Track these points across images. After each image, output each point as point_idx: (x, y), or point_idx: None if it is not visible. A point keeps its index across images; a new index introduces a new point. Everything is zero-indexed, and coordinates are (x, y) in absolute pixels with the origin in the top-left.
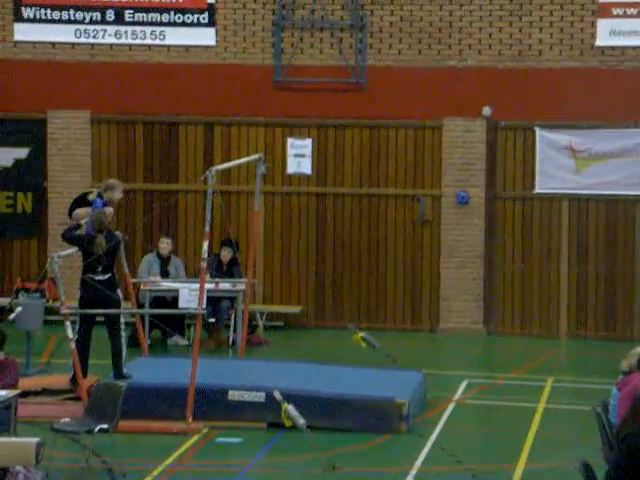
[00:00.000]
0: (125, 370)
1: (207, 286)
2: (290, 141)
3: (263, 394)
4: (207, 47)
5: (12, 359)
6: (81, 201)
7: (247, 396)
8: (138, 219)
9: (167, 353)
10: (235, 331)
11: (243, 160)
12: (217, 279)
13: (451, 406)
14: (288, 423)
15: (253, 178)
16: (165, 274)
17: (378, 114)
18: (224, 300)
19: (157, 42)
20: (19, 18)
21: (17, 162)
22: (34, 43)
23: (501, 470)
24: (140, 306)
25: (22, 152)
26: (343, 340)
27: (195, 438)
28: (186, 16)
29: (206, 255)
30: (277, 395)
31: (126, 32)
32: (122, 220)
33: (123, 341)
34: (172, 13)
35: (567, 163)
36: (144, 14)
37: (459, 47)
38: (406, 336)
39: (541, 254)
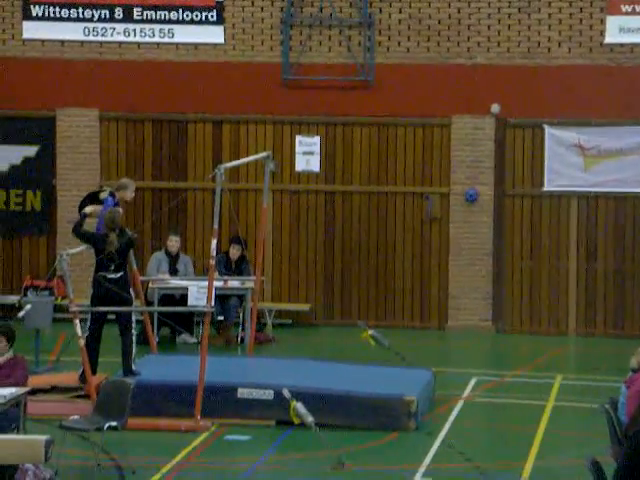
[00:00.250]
0: (134, 367)
1: (216, 284)
2: (298, 139)
3: (272, 392)
4: (216, 45)
5: (21, 357)
6: (93, 199)
7: (256, 394)
8: (147, 217)
9: (176, 351)
10: (244, 329)
11: (251, 158)
12: (226, 277)
13: (460, 404)
14: (297, 421)
15: (262, 176)
16: (174, 272)
17: (386, 112)
18: (233, 298)
19: (166, 40)
20: (28, 16)
21: (26, 160)
22: (43, 41)
23: (510, 468)
24: (149, 304)
25: (31, 150)
26: (352, 338)
27: (204, 436)
28: (195, 14)
29: (215, 253)
30: (286, 393)
31: (135, 30)
32: (130, 218)
33: (134, 339)
34: (181, 11)
35: (576, 161)
36: (153, 12)
37: (468, 44)
38: (415, 334)
39: (550, 251)
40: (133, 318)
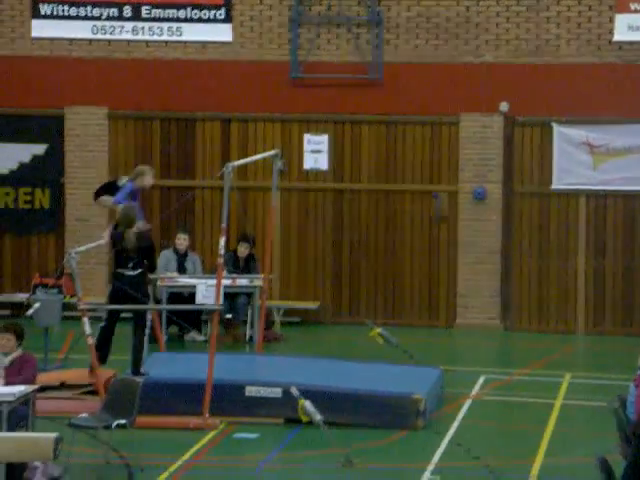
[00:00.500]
0: (142, 369)
1: (224, 282)
2: (307, 137)
3: (280, 390)
4: (224, 43)
5: (30, 355)
6: (111, 187)
7: (264, 392)
8: (155, 215)
9: (184, 349)
10: (252, 327)
11: (260, 156)
12: (234, 275)
13: (468, 402)
14: (305, 419)
15: (270, 174)
16: (182, 270)
17: (395, 110)
18: (241, 296)
19: (174, 38)
20: (37, 15)
21: (35, 158)
22: (51, 40)
23: (518, 466)
24: (157, 302)
25: (40, 148)
26: (360, 336)
27: (212, 434)
28: (203, 12)
29: (223, 251)
30: (294, 391)
31: (143, 28)
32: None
33: (145, 339)
34: (189, 9)
35: (584, 159)
36: (161, 10)
37: (476, 42)
38: (423, 332)
39: (558, 250)
40: (148, 317)
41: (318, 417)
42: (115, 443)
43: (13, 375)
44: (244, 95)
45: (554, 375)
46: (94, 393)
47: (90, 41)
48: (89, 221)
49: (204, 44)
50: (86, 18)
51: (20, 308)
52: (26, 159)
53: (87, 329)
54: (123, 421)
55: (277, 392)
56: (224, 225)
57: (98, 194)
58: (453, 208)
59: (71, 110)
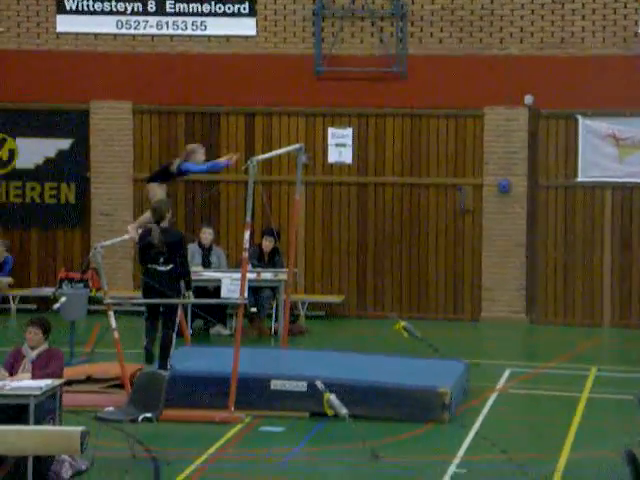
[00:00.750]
0: (170, 364)
1: (249, 276)
2: (331, 131)
3: (305, 383)
4: (247, 37)
5: (57, 349)
6: (164, 173)
7: (289, 385)
8: (180, 209)
9: (209, 343)
10: (277, 321)
11: (284, 150)
12: (259, 269)
13: (494, 395)
14: (330, 412)
15: (294, 168)
16: (207, 264)
17: (419, 103)
18: (266, 290)
19: (198, 32)
20: (62, 10)
21: (60, 153)
22: (76, 34)
23: (544, 459)
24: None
25: (65, 143)
26: (384, 330)
27: (238, 427)
28: (227, 6)
29: (248, 245)
30: (319, 384)
31: (167, 23)
32: None
33: (174, 336)
34: (213, 3)
35: (610, 151)
36: (185, 5)
37: (501, 35)
38: (448, 325)
39: (584, 243)
40: (178, 312)
41: (343, 411)
42: (141, 436)
43: (40, 369)
44: (268, 89)
45: (580, 368)
46: (120, 387)
47: (115, 36)
48: (114, 215)
49: (228, 38)
50: (111, 13)
51: (46, 302)
52: (51, 154)
53: (113, 323)
54: (149, 415)
55: (302, 386)
56: (249, 219)
57: (151, 179)
58: (478, 201)
59: (96, 105)
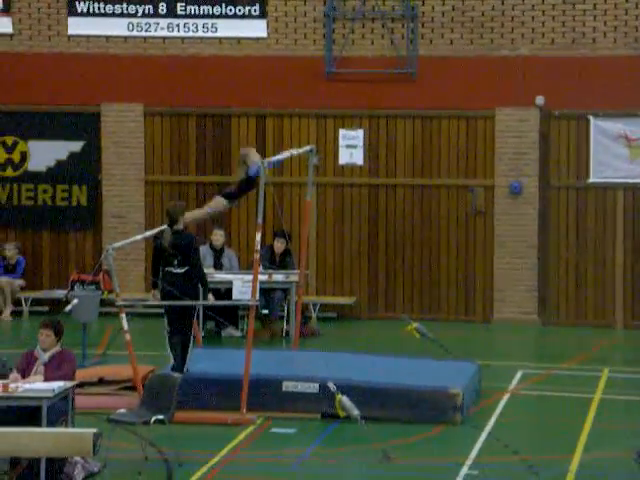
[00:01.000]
0: (186, 367)
1: (260, 277)
2: (342, 132)
3: (317, 385)
4: (258, 39)
5: (69, 351)
6: (248, 182)
7: (301, 387)
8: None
9: (221, 344)
10: (288, 322)
11: (294, 152)
12: (270, 271)
13: (506, 397)
14: (342, 414)
15: (305, 169)
16: (218, 266)
17: (430, 104)
18: (277, 291)
19: (209, 34)
20: (73, 12)
21: (72, 155)
22: (88, 37)
23: (557, 461)
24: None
25: (76, 145)
26: (396, 331)
27: (250, 429)
28: (237, 8)
29: (259, 247)
30: (331, 386)
31: (178, 25)
32: None
33: (191, 338)
34: (224, 5)
35: (622, 152)
36: (196, 7)
37: (511, 36)
38: (460, 327)
39: (596, 243)
40: (198, 315)
41: (355, 412)
42: (153, 438)
43: (52, 371)
44: (279, 90)
45: (592, 370)
46: (132, 389)
47: (126, 38)
48: (126, 217)
49: (239, 40)
50: (122, 15)
51: (58, 304)
52: (63, 156)
53: (125, 325)
54: (161, 417)
55: (314, 387)
56: (260, 221)
57: (234, 196)
58: (489, 202)
59: (107, 107)
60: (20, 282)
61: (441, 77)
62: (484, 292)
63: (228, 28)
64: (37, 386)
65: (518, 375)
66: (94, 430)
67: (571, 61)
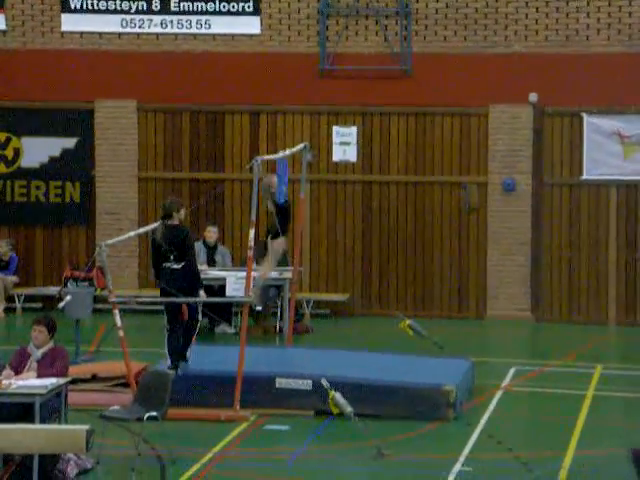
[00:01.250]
0: (189, 353)
1: (253, 274)
2: (335, 129)
3: (310, 382)
4: (252, 36)
5: (62, 347)
6: (282, 211)
7: (294, 384)
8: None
9: (214, 341)
10: (282, 319)
11: (288, 152)
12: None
13: (499, 393)
14: (335, 411)
15: (299, 166)
16: (212, 263)
17: (424, 101)
18: (271, 288)
19: (202, 31)
20: (66, 9)
21: (65, 152)
22: (81, 33)
23: (550, 457)
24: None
25: (70, 142)
26: (390, 328)
27: (243, 426)
28: (231, 5)
29: (253, 243)
30: (324, 383)
31: (172, 21)
32: None
33: (197, 325)
34: (217, 2)
35: (615, 149)
36: (189, 3)
37: (505, 33)
38: (453, 323)
39: (589, 241)
40: (199, 310)
41: (348, 409)
42: (147, 435)
43: (45, 368)
44: (272, 87)
45: (585, 366)
46: (126, 385)
47: (119, 34)
48: (119, 214)
49: (233, 36)
50: (115, 12)
51: (51, 301)
52: (56, 153)
53: (118, 321)
54: (154, 413)
55: (307, 384)
56: (253, 217)
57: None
58: (483, 199)
59: (101, 104)
60: (13, 279)
61: (435, 74)
62: (477, 289)
63: (222, 25)
64: (30, 383)
65: (511, 372)
66: (87, 427)
67: (565, 58)
